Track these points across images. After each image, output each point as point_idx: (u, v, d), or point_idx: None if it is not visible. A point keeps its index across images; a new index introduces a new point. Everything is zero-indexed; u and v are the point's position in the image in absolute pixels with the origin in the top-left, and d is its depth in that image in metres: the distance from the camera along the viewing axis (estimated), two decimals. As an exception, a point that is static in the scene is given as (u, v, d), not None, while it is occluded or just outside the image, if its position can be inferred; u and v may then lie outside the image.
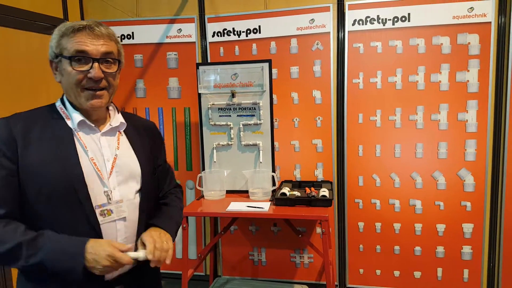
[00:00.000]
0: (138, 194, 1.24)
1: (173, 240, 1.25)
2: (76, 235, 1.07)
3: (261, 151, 2.68)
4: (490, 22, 2.51)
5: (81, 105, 1.16)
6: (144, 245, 1.14)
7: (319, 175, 2.89)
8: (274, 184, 2.64)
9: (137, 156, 1.26)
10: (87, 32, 1.11)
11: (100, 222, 1.12)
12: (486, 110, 2.58)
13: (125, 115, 1.32)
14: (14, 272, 2.43)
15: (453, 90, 2.61)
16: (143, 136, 1.33)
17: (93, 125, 1.19)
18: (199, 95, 2.70)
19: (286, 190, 2.58)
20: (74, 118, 1.16)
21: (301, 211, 2.39)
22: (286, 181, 2.87)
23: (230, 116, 2.70)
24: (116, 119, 1.26)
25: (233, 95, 2.66)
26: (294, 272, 3.02)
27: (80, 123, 1.16)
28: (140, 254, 1.11)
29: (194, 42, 2.94)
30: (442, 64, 2.60)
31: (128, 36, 3.02)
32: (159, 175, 1.38)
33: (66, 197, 1.08)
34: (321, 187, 2.68)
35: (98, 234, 1.11)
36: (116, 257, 1.03)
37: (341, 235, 2.90)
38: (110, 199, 1.15)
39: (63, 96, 1.21)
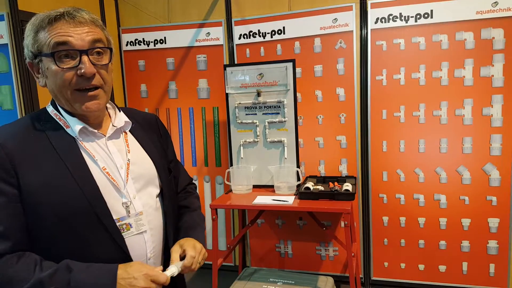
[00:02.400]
0: (159, 198, 1.14)
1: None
2: (100, 256, 0.96)
3: (286, 148, 2.79)
4: (516, 16, 2.50)
5: (74, 110, 0.99)
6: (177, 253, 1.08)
7: (343, 170, 2.96)
8: (298, 179, 2.74)
9: (150, 157, 1.13)
10: (66, 20, 0.92)
11: (124, 237, 1.01)
12: (512, 104, 2.57)
13: (126, 111, 1.18)
14: None
15: (478, 85, 2.61)
16: (150, 132, 1.20)
17: (96, 130, 1.04)
18: (227, 95, 2.84)
19: (310, 184, 2.69)
20: (73, 125, 1.00)
21: (324, 204, 2.49)
22: (310, 177, 2.97)
23: (256, 114, 2.83)
24: (119, 118, 1.11)
25: (258, 94, 2.78)
26: (320, 265, 3.12)
27: (82, 130, 1.01)
28: (174, 270, 1.03)
29: (222, 44, 3.10)
30: (466, 59, 2.61)
31: (161, 41, 3.22)
32: (174, 171, 1.27)
33: (83, 216, 0.94)
34: (345, 182, 2.76)
35: (125, 251, 1.00)
36: (153, 277, 0.94)
37: (366, 229, 2.97)
38: (129, 211, 1.03)
39: (52, 100, 1.05)
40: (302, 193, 2.59)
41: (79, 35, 0.92)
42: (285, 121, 2.77)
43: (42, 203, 0.93)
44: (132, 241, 1.03)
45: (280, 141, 2.80)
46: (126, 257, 1.01)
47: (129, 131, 1.14)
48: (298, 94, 2.89)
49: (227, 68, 2.81)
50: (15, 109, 2.54)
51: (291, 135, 2.78)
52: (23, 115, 2.51)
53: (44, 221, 0.94)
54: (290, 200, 2.55)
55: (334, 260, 3.08)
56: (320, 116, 2.94)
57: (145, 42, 3.25)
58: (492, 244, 2.72)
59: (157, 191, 1.14)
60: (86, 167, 0.97)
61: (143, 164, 1.11)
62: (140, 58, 3.30)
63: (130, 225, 1.03)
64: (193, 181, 1.44)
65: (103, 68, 0.98)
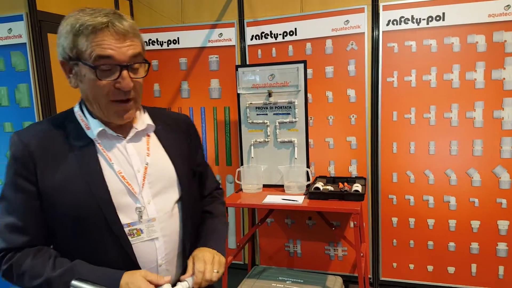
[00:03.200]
0: (178, 204, 1.10)
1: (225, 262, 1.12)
2: (107, 260, 0.97)
3: (296, 148, 2.82)
4: (528, 19, 2.50)
5: (109, 118, 1.01)
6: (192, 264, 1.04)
7: (353, 171, 2.99)
8: (308, 179, 2.77)
9: (171, 160, 1.10)
10: (110, 31, 0.92)
11: (132, 243, 1.00)
12: (523, 107, 2.57)
13: (153, 112, 1.16)
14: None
15: (489, 88, 2.62)
16: (177, 133, 1.17)
17: (115, 134, 1.03)
18: (238, 95, 2.88)
19: (320, 184, 2.71)
20: (93, 127, 1.01)
21: (333, 204, 2.52)
22: (320, 177, 2.99)
23: (266, 114, 2.86)
24: (142, 121, 1.09)
25: (269, 95, 2.82)
26: (328, 264, 3.14)
27: (101, 133, 1.02)
28: (185, 286, 1.00)
29: (234, 45, 3.14)
30: (477, 62, 2.62)
31: (174, 41, 3.27)
32: (200, 175, 1.24)
33: (93, 219, 0.96)
34: (355, 183, 2.78)
35: (131, 257, 0.99)
36: None
37: (375, 230, 2.99)
38: (141, 217, 1.02)
39: (82, 100, 1.06)
40: (312, 193, 2.62)
41: (120, 50, 0.93)
42: (295, 121, 2.80)
43: (56, 204, 0.96)
44: (141, 248, 1.01)
45: (291, 141, 2.83)
46: (132, 264, 1.00)
47: (154, 133, 1.12)
48: (309, 95, 2.92)
49: (239, 69, 2.85)
50: (32, 107, 2.61)
51: (301, 135, 2.81)
52: (40, 113, 2.57)
53: (59, 221, 0.98)
54: (299, 199, 2.58)
55: (343, 260, 3.10)
56: (331, 117, 2.97)
57: (158, 42, 3.31)
58: (502, 246, 2.72)
59: (176, 196, 1.10)
60: (99, 171, 0.98)
61: (163, 168, 1.08)
62: (154, 58, 3.35)
63: (141, 230, 1.01)
64: (220, 186, 1.39)
65: (138, 84, 1.00)
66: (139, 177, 1.03)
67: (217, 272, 1.02)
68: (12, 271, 0.97)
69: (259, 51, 3.07)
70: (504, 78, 2.58)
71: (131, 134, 1.06)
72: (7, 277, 0.99)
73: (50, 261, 0.96)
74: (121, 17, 0.94)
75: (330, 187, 2.69)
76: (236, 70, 2.84)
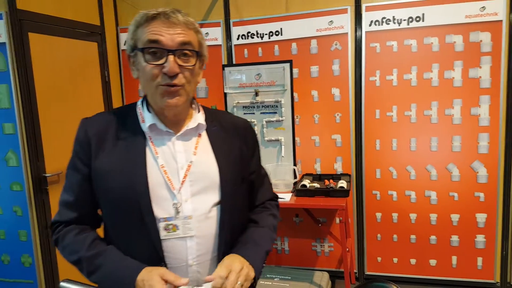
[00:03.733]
0: (217, 208, 1.07)
1: (258, 275, 1.05)
2: (136, 251, 1.00)
3: (283, 146, 2.87)
4: (502, 21, 2.63)
5: (156, 104, 1.03)
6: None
7: (338, 168, 3.05)
8: (295, 177, 2.82)
9: (217, 162, 1.08)
10: (162, 20, 0.97)
11: (163, 238, 1.00)
12: (498, 104, 2.69)
13: (210, 113, 1.16)
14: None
15: (466, 86, 2.73)
16: (232, 138, 1.14)
17: (164, 129, 1.05)
18: (225, 94, 2.90)
19: (306, 182, 2.77)
20: (147, 120, 1.05)
21: (320, 201, 2.57)
22: (307, 174, 3.05)
23: (254, 113, 2.89)
24: (195, 119, 1.09)
25: (256, 94, 2.85)
26: (315, 260, 3.20)
27: (153, 126, 1.05)
28: None
29: (220, 44, 3.15)
30: (455, 61, 2.73)
31: (159, 40, 3.25)
32: (252, 183, 1.19)
33: (129, 208, 0.99)
34: (340, 179, 2.85)
35: (158, 252, 1.00)
36: None
37: (360, 225, 3.06)
38: (178, 212, 1.01)
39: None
40: (299, 191, 2.67)
41: (170, 36, 0.97)
42: (282, 120, 2.85)
43: (101, 186, 1.02)
44: (171, 244, 1.01)
45: (277, 140, 2.88)
46: (158, 259, 1.00)
47: (207, 134, 1.11)
48: (295, 94, 2.97)
49: (226, 68, 2.87)
50: (13, 108, 2.54)
51: (288, 134, 2.86)
52: (21, 114, 2.51)
53: (102, 203, 1.05)
54: (287, 197, 2.62)
55: (330, 256, 3.16)
56: (316, 116, 3.03)
57: (143, 42, 3.28)
58: (480, 238, 2.84)
59: (216, 199, 1.06)
60: (143, 163, 1.01)
61: (207, 168, 1.06)
62: (138, 58, 3.32)
63: (177, 227, 1.01)
64: (277, 198, 1.31)
65: (188, 70, 1.00)
66: (181, 173, 1.04)
67: (241, 285, 0.95)
68: (58, 242, 1.07)
69: (246, 51, 3.10)
70: (480, 77, 2.70)
71: (182, 131, 1.07)
72: (56, 246, 1.08)
73: (88, 242, 1.02)
74: (177, 11, 0.99)
75: (316, 184, 2.74)
76: (223, 69, 2.86)
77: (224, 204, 1.06)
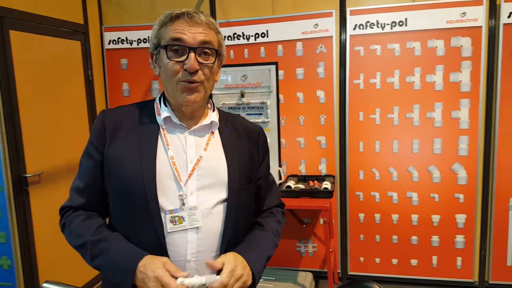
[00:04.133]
0: (223, 205, 1.08)
1: (258, 279, 1.06)
2: (140, 240, 1.01)
3: (268, 147, 2.88)
4: (481, 26, 2.70)
5: (176, 99, 1.06)
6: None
7: (323, 169, 3.08)
8: (280, 178, 2.84)
9: (227, 161, 1.10)
10: (185, 19, 1.02)
11: (169, 230, 1.01)
12: (478, 108, 2.77)
13: (225, 114, 1.21)
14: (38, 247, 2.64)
15: (447, 90, 2.80)
16: (244, 140, 1.16)
17: (178, 122, 1.08)
18: (211, 95, 2.90)
19: (291, 183, 2.79)
20: (162, 113, 1.09)
21: (304, 202, 2.60)
22: (292, 175, 3.07)
23: (239, 114, 2.90)
24: (209, 117, 1.13)
25: (242, 95, 2.86)
26: (299, 261, 3.22)
27: (167, 119, 1.08)
28: (196, 282, 0.94)
29: (206, 45, 3.14)
30: (437, 65, 2.80)
31: (144, 40, 3.23)
32: (258, 188, 1.20)
33: (137, 197, 1.01)
34: (324, 181, 2.88)
35: (162, 243, 1.01)
36: (163, 282, 0.91)
37: (343, 226, 3.10)
38: (183, 204, 1.03)
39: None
40: (284, 192, 2.69)
41: (192, 34, 1.02)
42: (268, 121, 2.86)
43: (112, 173, 1.05)
44: (173, 237, 1.02)
45: (263, 141, 2.89)
46: (162, 250, 1.01)
47: (219, 133, 1.14)
48: (280, 96, 2.99)
49: (212, 69, 2.87)
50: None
51: (273, 135, 2.88)
52: (1, 113, 2.44)
53: (112, 190, 1.07)
54: (272, 198, 2.63)
55: (313, 256, 3.19)
56: (302, 117, 3.05)
57: (128, 41, 3.26)
58: (459, 238, 2.91)
59: (222, 197, 1.07)
60: (154, 152, 1.04)
61: (216, 165, 1.08)
62: (123, 57, 3.29)
63: (183, 218, 1.02)
64: (284, 206, 1.32)
65: (207, 67, 1.04)
66: (189, 166, 1.05)
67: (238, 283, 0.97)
68: (65, 227, 1.09)
69: (232, 52, 3.10)
70: (460, 81, 2.77)
71: (195, 126, 1.10)
72: (63, 231, 1.10)
73: (93, 227, 1.04)
74: (200, 12, 1.04)
75: (301, 185, 2.77)
76: (209, 70, 2.86)
77: (231, 202, 1.07)
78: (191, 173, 1.05)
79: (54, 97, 2.79)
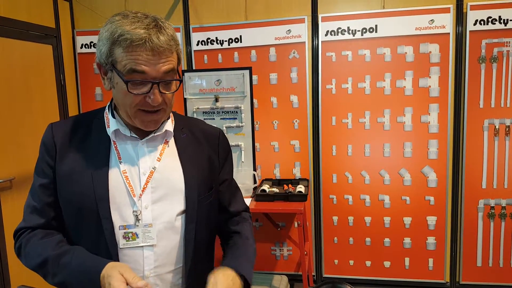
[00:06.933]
0: (181, 217, 1.03)
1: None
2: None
3: (243, 151, 2.90)
4: (449, 33, 2.78)
5: (134, 124, 1.00)
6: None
7: (297, 173, 3.11)
8: (255, 182, 2.85)
9: (183, 169, 1.05)
10: (146, 47, 0.90)
11: (121, 246, 0.98)
12: (446, 112, 2.84)
13: (182, 120, 1.15)
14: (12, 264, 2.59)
15: (417, 95, 2.87)
16: (202, 146, 1.11)
17: (129, 134, 1.03)
18: (185, 99, 2.90)
19: (266, 187, 2.80)
20: (112, 126, 1.03)
21: (279, 205, 2.62)
22: (266, 179, 3.09)
23: (214, 119, 2.91)
24: (162, 126, 1.06)
25: (216, 100, 2.87)
26: (275, 264, 3.24)
27: (116, 132, 1.02)
28: None
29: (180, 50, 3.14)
30: (406, 71, 2.86)
31: (118, 45, 3.21)
32: (221, 193, 1.16)
33: (89, 213, 0.97)
34: (298, 184, 2.91)
35: (114, 259, 0.96)
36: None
37: (317, 229, 3.13)
38: (138, 220, 0.99)
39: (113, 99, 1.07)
40: (259, 195, 2.71)
41: (154, 66, 0.92)
42: (242, 126, 2.87)
43: (62, 190, 1.00)
44: (128, 253, 0.98)
45: (238, 145, 2.90)
46: None
47: (175, 141, 1.08)
48: (254, 100, 3.01)
49: (185, 74, 2.87)
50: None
51: (248, 139, 2.89)
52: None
53: (64, 208, 1.02)
54: (247, 202, 2.64)
55: (288, 259, 3.21)
56: (276, 122, 3.08)
57: (101, 46, 3.22)
58: (431, 240, 2.97)
59: (180, 208, 1.03)
60: (105, 167, 0.99)
61: (170, 175, 1.04)
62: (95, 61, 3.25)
63: (137, 235, 0.98)
64: (249, 210, 1.29)
65: (168, 96, 0.98)
66: (143, 179, 1.01)
67: None
68: (21, 249, 1.02)
69: (205, 57, 3.11)
70: (429, 86, 2.85)
71: (147, 137, 1.04)
72: (19, 255, 1.03)
73: (54, 242, 0.99)
74: (161, 31, 0.92)
75: (276, 189, 2.79)
76: (183, 74, 2.86)
77: (190, 213, 1.03)
78: (144, 187, 1.00)
79: (25, 102, 2.75)
